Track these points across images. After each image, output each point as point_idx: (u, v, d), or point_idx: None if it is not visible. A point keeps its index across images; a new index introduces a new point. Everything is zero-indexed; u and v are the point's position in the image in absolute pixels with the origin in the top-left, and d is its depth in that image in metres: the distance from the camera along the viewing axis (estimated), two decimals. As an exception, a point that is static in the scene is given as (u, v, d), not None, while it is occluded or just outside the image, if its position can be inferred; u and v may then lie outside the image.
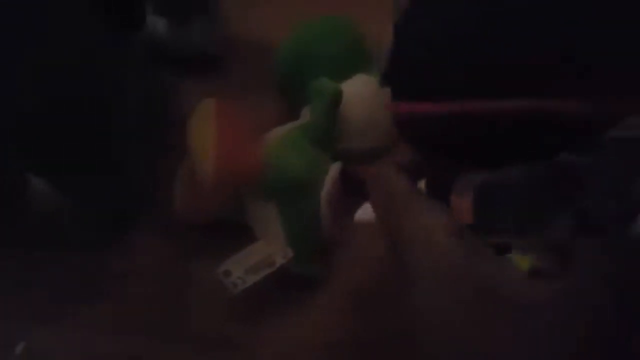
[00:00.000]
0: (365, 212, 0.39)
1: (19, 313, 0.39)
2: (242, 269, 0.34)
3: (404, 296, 0.21)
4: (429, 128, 0.21)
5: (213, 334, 0.37)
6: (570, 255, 0.19)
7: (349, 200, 0.38)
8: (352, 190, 0.39)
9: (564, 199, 0.28)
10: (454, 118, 0.19)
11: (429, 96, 0.20)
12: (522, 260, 0.24)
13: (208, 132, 0.34)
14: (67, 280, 0.40)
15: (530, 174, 0.29)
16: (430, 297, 0.19)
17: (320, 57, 0.40)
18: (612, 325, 0.17)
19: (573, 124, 0.19)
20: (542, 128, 0.19)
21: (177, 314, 0.38)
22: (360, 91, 0.39)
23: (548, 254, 0.21)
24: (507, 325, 0.18)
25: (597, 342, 0.17)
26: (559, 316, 0.17)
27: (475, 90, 0.19)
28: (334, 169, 0.37)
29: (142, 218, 0.41)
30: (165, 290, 0.39)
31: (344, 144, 0.39)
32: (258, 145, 0.36)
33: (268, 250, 0.36)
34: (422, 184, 0.24)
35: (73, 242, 0.39)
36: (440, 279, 0.19)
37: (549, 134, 0.19)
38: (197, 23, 0.47)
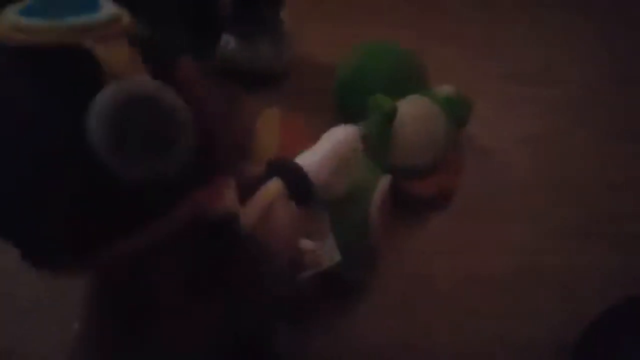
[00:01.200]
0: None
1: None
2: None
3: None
4: None
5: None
6: None
7: (397, 211, 0.41)
8: (400, 202, 0.42)
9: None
10: None
11: None
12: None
13: (272, 139, 0.36)
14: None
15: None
16: None
17: (377, 77, 0.43)
18: None
19: None
20: None
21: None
22: (413, 110, 0.42)
23: None
24: None
25: None
26: None
27: None
28: (385, 181, 0.39)
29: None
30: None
31: (395, 159, 0.41)
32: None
33: (317, 251, 0.38)
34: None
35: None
36: None
37: None
38: (263, 42, 0.50)
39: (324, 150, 0.33)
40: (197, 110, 0.21)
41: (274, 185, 0.30)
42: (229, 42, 0.51)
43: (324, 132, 0.43)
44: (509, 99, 0.55)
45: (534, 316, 0.40)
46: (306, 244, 0.38)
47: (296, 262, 0.34)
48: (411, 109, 0.42)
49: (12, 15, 0.20)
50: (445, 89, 0.44)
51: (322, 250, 0.38)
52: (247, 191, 0.30)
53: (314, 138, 0.40)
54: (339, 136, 0.34)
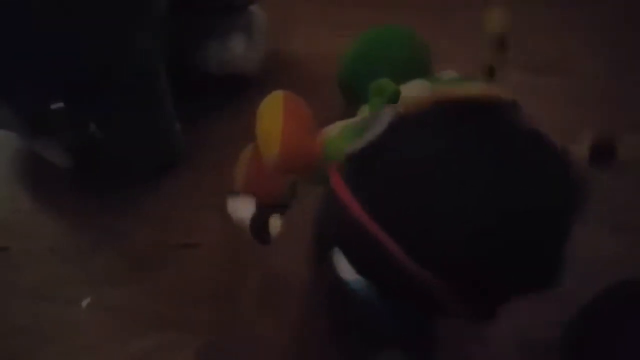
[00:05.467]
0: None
1: (88, 274, 0.43)
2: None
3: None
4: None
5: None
6: None
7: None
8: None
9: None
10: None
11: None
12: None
13: (276, 121, 0.37)
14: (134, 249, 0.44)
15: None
16: None
17: (382, 61, 0.43)
18: None
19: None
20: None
21: (237, 287, 0.41)
22: (416, 94, 0.42)
23: None
24: None
25: None
26: None
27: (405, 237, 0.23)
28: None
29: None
30: (227, 264, 0.42)
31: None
32: (318, 136, 0.39)
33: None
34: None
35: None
36: None
37: None
38: (234, 43, 0.49)
39: None
40: None
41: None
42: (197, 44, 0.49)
43: (328, 116, 0.44)
44: (519, 89, 0.54)
45: (536, 314, 0.41)
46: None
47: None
48: (414, 93, 0.41)
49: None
50: (449, 74, 0.44)
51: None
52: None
53: (317, 122, 0.41)
54: None
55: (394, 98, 0.40)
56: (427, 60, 0.45)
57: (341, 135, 0.40)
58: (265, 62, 0.52)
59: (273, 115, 0.37)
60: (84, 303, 0.42)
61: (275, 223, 0.33)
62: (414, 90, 0.42)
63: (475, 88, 0.31)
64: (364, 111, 0.42)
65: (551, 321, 0.37)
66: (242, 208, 0.29)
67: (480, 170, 0.23)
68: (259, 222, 0.32)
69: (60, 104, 0.38)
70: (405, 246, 0.23)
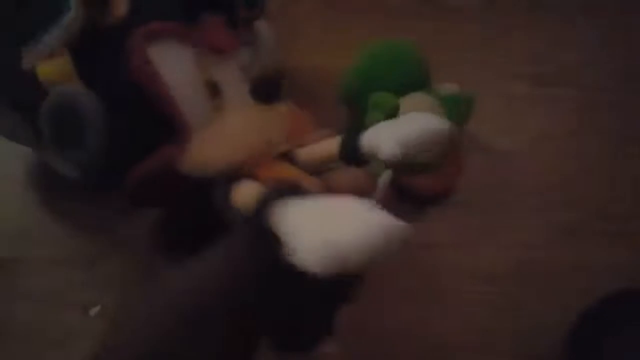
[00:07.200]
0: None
1: (98, 282, 0.45)
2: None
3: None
4: None
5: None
6: None
7: (398, 205, 0.42)
8: (401, 197, 0.43)
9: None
10: None
11: None
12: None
13: (280, 135, 0.38)
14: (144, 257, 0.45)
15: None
16: None
17: (383, 76, 0.44)
18: None
19: None
20: None
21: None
22: (414, 108, 0.43)
23: None
24: None
25: None
26: None
27: None
28: (386, 176, 0.40)
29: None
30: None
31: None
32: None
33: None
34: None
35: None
36: None
37: None
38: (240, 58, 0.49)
39: None
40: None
41: None
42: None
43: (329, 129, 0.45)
44: (521, 99, 0.55)
45: (535, 309, 0.41)
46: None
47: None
48: (413, 107, 0.43)
49: None
50: (448, 87, 0.45)
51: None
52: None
53: (321, 134, 0.42)
54: None
55: (393, 111, 0.41)
56: (426, 74, 0.46)
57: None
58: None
59: (278, 127, 0.39)
60: (93, 311, 0.43)
61: None
62: (412, 104, 0.44)
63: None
64: (366, 124, 0.43)
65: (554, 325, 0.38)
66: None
67: None
68: None
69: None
70: None
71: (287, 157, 0.30)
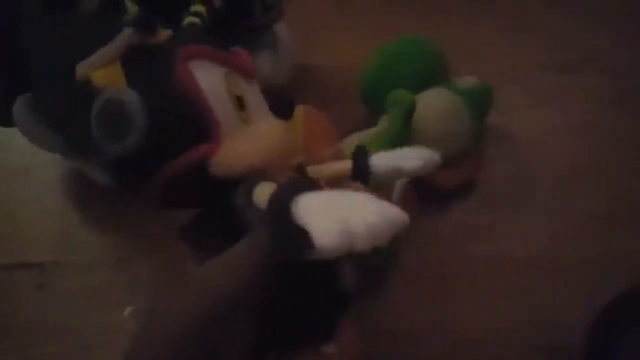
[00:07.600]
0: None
1: (131, 283, 0.46)
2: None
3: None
4: None
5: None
6: None
7: (419, 202, 0.42)
8: (421, 193, 0.43)
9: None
10: None
11: None
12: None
13: (297, 135, 0.39)
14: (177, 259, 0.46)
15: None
16: None
17: (400, 72, 0.44)
18: None
19: None
20: None
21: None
22: (433, 103, 0.43)
23: None
24: None
25: None
26: None
27: None
28: (400, 185, 0.41)
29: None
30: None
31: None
32: (339, 147, 0.41)
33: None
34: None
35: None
36: None
37: None
38: (260, 61, 0.50)
39: None
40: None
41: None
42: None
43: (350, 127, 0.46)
44: (546, 88, 0.55)
45: (560, 298, 0.41)
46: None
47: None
48: (432, 102, 0.43)
49: None
50: (467, 80, 0.45)
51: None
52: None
53: (337, 135, 0.43)
54: None
55: (411, 108, 0.41)
56: (444, 68, 0.46)
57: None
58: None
59: (294, 128, 0.40)
60: (127, 311, 0.44)
61: None
62: (431, 99, 0.44)
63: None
64: (384, 121, 0.43)
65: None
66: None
67: None
68: None
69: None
70: None
71: (300, 170, 0.32)
